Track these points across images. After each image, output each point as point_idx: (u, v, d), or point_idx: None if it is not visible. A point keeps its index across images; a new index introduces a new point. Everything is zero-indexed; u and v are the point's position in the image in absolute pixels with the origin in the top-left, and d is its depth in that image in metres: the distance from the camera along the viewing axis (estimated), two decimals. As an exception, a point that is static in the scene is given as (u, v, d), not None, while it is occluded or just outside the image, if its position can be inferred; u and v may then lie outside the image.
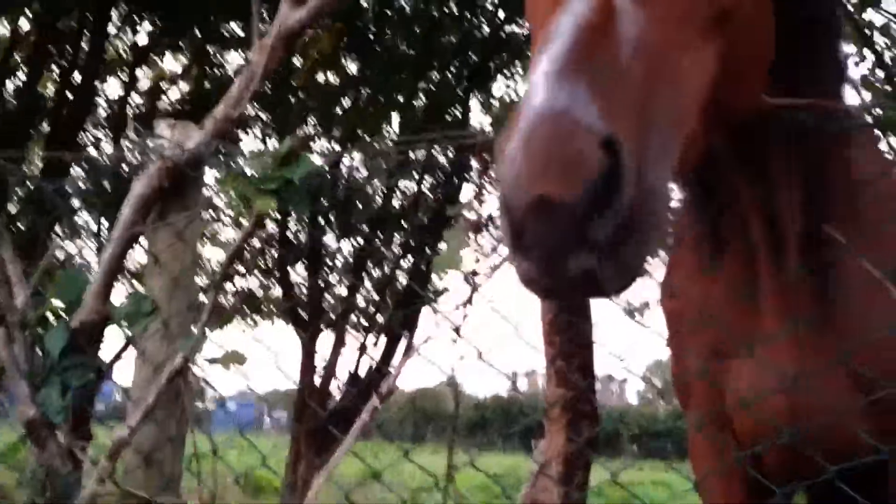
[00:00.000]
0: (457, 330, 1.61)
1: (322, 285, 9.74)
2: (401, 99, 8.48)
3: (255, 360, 2.05)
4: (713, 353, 1.71)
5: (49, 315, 2.08)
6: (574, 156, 0.79)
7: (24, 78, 8.79)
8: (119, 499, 1.95)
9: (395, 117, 8.92)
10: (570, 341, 2.44)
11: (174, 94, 10.47)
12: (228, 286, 9.72)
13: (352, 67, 8.84)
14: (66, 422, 2.07)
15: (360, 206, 9.71)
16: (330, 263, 10.04)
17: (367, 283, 10.29)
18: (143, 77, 10.14)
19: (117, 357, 2.16)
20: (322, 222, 9.17)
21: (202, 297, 2.17)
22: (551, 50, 0.86)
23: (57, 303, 2.07)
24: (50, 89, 9.35)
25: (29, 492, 2.04)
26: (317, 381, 9.64)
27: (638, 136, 0.84)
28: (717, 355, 1.70)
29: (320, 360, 9.70)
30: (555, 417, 2.45)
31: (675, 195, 1.30)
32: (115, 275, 2.08)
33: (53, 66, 8.89)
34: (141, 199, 2.01)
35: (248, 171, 1.76)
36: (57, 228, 8.31)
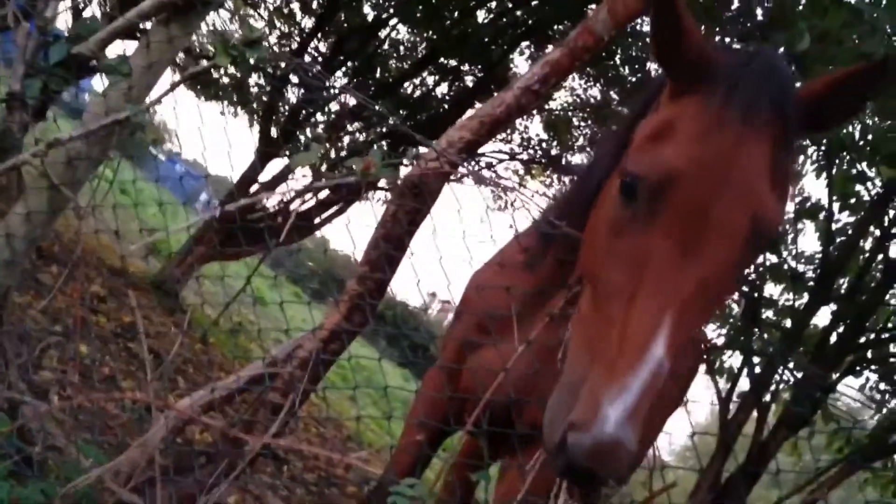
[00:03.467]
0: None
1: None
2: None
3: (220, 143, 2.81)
4: (478, 326, 2.50)
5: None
6: (619, 464, 1.32)
7: None
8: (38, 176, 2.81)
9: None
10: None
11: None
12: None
13: None
14: (32, 107, 2.91)
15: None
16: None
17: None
18: None
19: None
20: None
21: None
22: (626, 398, 1.34)
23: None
24: None
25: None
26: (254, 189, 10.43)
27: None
28: (479, 329, 2.43)
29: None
30: (346, 295, 3.15)
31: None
32: (117, 36, 2.89)
33: None
34: (160, 1, 2.81)
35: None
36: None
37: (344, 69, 10.95)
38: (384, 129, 10.32)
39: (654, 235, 1.44)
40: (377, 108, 2.89)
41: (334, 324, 3.39)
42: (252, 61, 2.57)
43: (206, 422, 2.63)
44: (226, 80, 11.97)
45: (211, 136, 2.90)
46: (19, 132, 2.90)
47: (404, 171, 3.08)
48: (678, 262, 1.41)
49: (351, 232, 2.74)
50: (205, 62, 2.79)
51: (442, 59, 10.18)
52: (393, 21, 10.34)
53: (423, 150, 2.80)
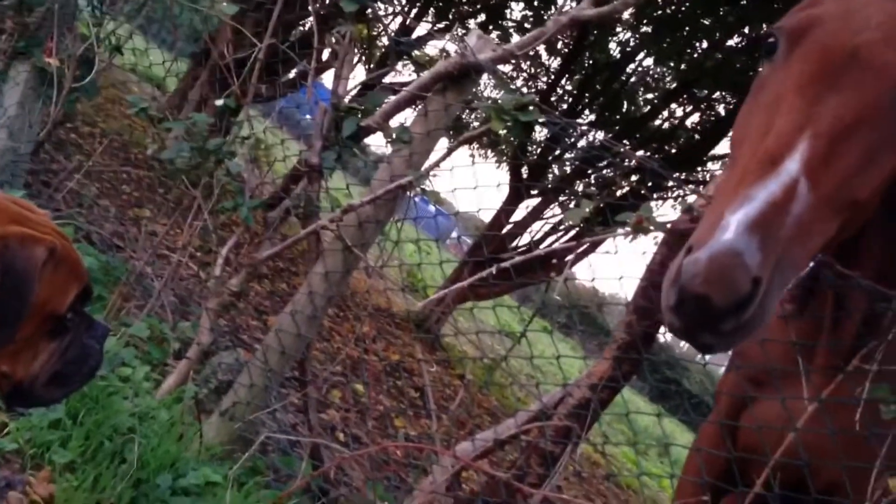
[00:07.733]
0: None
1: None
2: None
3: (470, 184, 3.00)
4: (752, 380, 2.37)
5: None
6: (734, 280, 1.19)
7: None
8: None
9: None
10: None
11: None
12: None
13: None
14: (327, 178, 3.25)
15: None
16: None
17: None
18: None
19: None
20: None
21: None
22: (748, 207, 1.22)
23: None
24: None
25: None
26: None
27: (773, 275, 1.24)
28: (754, 383, 2.29)
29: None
30: (614, 343, 3.17)
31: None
32: (399, 108, 3.15)
33: None
34: (438, 73, 3.02)
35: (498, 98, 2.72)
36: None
37: (591, 107, 11.01)
38: (632, 164, 10.20)
39: (793, 68, 1.36)
40: (622, 148, 2.88)
41: (602, 372, 3.40)
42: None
43: (489, 471, 2.73)
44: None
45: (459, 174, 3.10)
46: (317, 199, 3.24)
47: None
48: (817, 92, 1.30)
49: (593, 266, 2.76)
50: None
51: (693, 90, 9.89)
52: (640, 55, 10.24)
53: (691, 199, 2.75)
